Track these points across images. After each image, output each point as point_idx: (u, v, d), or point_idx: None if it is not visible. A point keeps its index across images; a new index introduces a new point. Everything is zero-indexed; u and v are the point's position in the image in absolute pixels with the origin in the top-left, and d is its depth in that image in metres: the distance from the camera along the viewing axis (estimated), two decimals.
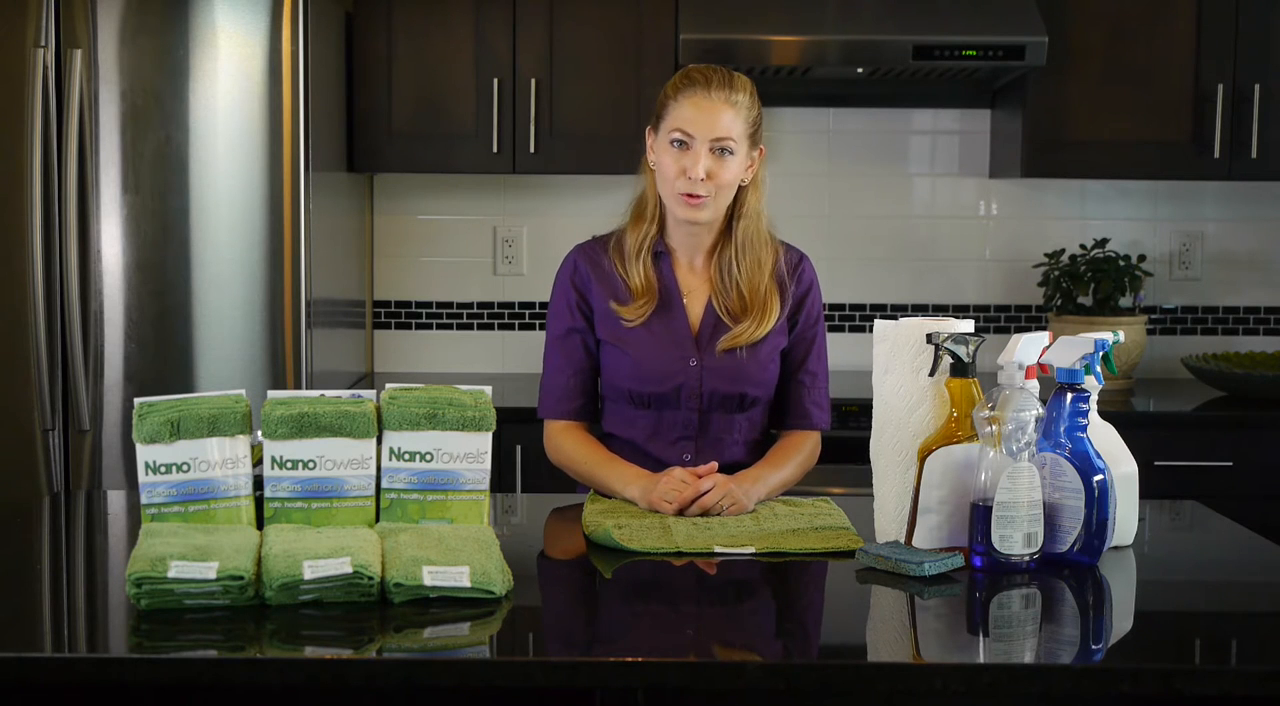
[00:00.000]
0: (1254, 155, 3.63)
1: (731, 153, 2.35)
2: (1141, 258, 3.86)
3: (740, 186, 2.40)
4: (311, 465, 1.93)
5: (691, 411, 2.43)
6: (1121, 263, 3.79)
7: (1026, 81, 3.64)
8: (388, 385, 2.03)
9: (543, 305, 3.99)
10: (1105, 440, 2.01)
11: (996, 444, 1.87)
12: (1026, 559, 1.89)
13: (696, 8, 3.54)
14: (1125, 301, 3.83)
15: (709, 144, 2.33)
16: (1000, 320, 4.03)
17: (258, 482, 1.96)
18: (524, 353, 4.01)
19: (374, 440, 1.96)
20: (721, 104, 2.34)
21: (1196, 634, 1.77)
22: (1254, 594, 1.96)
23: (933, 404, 1.98)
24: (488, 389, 2.03)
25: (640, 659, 1.59)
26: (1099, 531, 1.91)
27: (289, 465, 1.93)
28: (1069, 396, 1.93)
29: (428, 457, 1.96)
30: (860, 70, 3.64)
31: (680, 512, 2.22)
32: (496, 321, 4.03)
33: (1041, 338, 2.03)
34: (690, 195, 2.35)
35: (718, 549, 2.03)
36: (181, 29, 3.16)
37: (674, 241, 2.46)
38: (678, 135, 2.35)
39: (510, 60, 3.64)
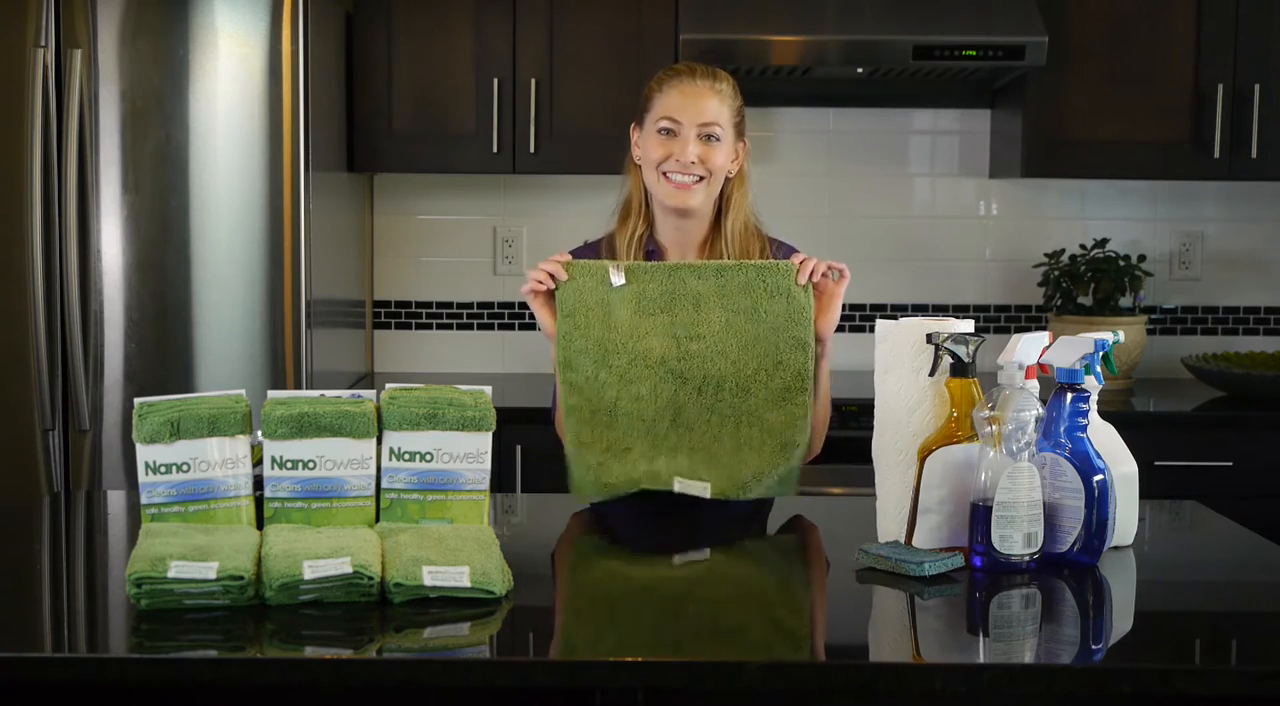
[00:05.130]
0: (1254, 155, 3.63)
1: (718, 139, 2.39)
2: (1141, 258, 3.86)
3: (726, 180, 2.42)
4: (311, 465, 1.93)
5: None
6: (1121, 263, 3.79)
7: (1026, 81, 3.64)
8: (388, 385, 2.03)
9: None
10: (1105, 440, 2.01)
11: (996, 444, 1.87)
12: (1026, 559, 1.89)
13: (696, 8, 3.54)
14: (1125, 301, 3.83)
15: (697, 129, 2.37)
16: (1000, 320, 4.03)
17: (258, 482, 1.96)
18: (524, 353, 4.01)
19: (374, 440, 1.96)
20: (707, 91, 2.39)
21: (1196, 634, 1.77)
22: (1254, 594, 1.96)
23: (933, 404, 1.98)
24: (488, 389, 2.03)
25: (640, 659, 1.59)
26: (1099, 531, 1.91)
27: (289, 465, 1.93)
28: (1069, 396, 1.93)
29: (428, 457, 1.96)
30: (860, 70, 3.64)
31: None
32: (496, 321, 4.03)
33: (1041, 337, 2.03)
34: (680, 183, 2.36)
35: (676, 481, 2.18)
36: (181, 29, 3.16)
37: (664, 238, 2.47)
38: (665, 123, 2.38)
39: (510, 60, 3.64)
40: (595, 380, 2.23)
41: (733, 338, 2.23)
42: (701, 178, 2.38)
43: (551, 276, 2.25)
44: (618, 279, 2.22)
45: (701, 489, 2.22)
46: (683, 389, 2.23)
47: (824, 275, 2.26)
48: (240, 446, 1.94)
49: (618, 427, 2.24)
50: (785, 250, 2.50)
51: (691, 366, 2.23)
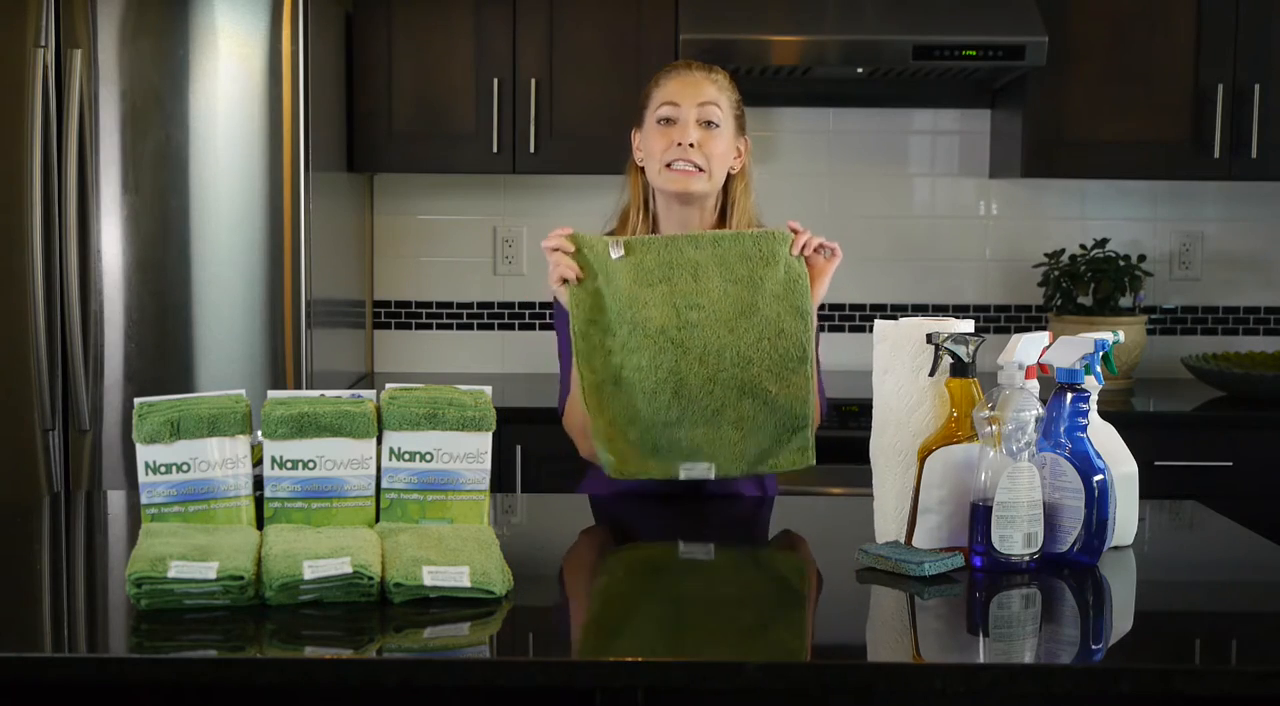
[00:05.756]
0: (1254, 155, 3.63)
1: (718, 126, 2.39)
2: (1141, 258, 3.86)
3: (730, 177, 2.42)
4: (311, 465, 1.93)
5: None
6: (1121, 263, 3.79)
7: (1026, 81, 3.64)
8: (388, 385, 2.03)
9: (543, 305, 3.99)
10: (1105, 440, 2.01)
11: (996, 444, 1.87)
12: (1026, 559, 1.89)
13: (696, 8, 3.54)
14: (1125, 301, 3.83)
15: (696, 112, 2.38)
16: (1000, 320, 4.03)
17: (258, 482, 1.96)
18: (524, 353, 4.01)
19: (374, 440, 1.96)
20: (703, 79, 2.42)
21: (1196, 634, 1.77)
22: (1254, 594, 1.96)
23: (933, 404, 1.98)
24: (488, 389, 2.03)
25: (640, 659, 1.59)
26: (1099, 531, 1.91)
27: (289, 465, 1.93)
28: (1069, 396, 1.93)
29: (428, 457, 1.96)
30: (860, 70, 3.64)
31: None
32: (496, 321, 4.03)
33: (1041, 337, 2.03)
34: (682, 170, 2.36)
35: (681, 468, 2.22)
36: (181, 29, 3.16)
37: (667, 233, 2.46)
38: (664, 110, 2.40)
39: (510, 60, 3.64)
40: (603, 348, 2.24)
41: (731, 306, 2.23)
42: (701, 168, 2.38)
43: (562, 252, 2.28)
44: (616, 252, 2.24)
45: (706, 469, 2.22)
46: (683, 359, 2.22)
47: (816, 250, 2.28)
48: (240, 446, 1.94)
49: (622, 397, 2.25)
50: None
51: (691, 336, 2.23)
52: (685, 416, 2.23)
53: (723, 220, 2.45)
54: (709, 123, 2.38)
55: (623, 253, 2.24)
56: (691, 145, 2.36)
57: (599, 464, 2.27)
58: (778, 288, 2.24)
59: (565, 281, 2.26)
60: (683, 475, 2.24)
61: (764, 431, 2.25)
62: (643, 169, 2.45)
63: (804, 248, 2.27)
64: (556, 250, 2.27)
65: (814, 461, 2.28)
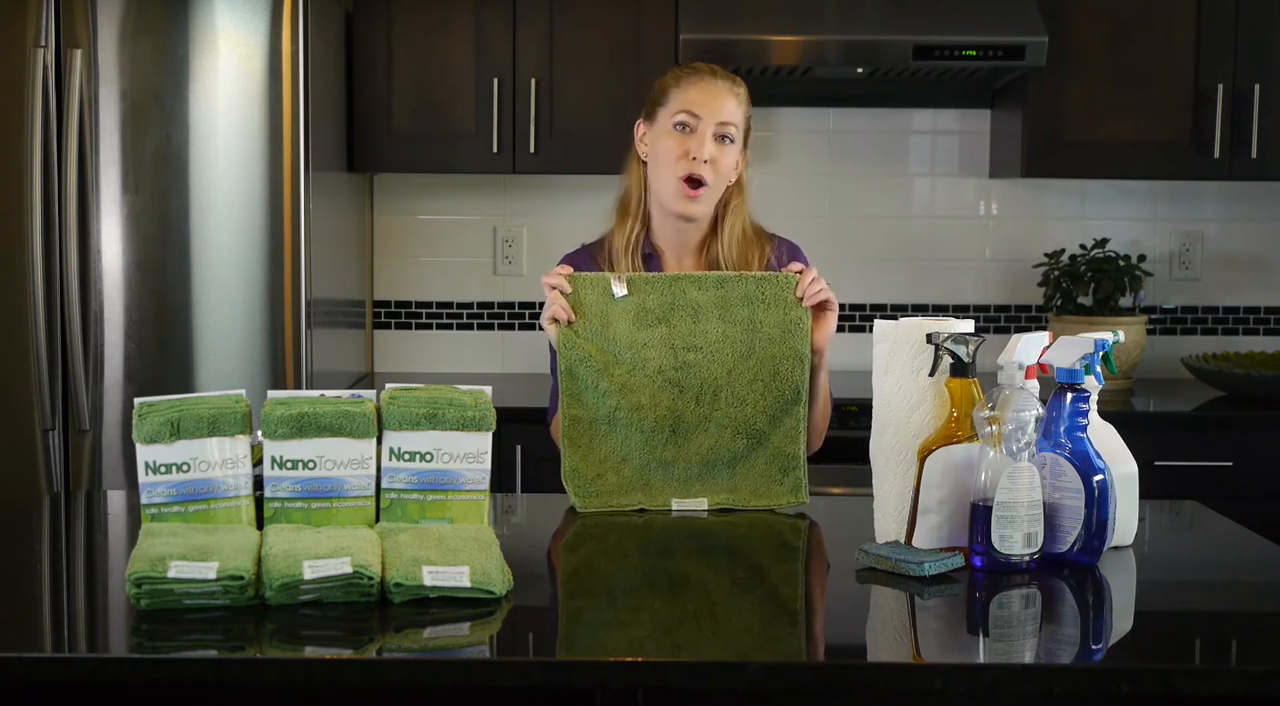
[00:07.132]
0: (1254, 155, 3.63)
1: (732, 141, 2.37)
2: (1141, 258, 3.86)
3: (728, 186, 2.42)
4: (311, 465, 1.93)
5: None
6: (1121, 263, 3.79)
7: (1026, 81, 3.64)
8: (388, 385, 2.03)
9: (542, 305, 3.98)
10: (1105, 440, 2.01)
11: (996, 444, 1.87)
12: (1026, 559, 1.89)
13: (696, 8, 3.54)
14: (1125, 301, 3.83)
15: (714, 128, 2.35)
16: (1000, 320, 4.03)
17: (258, 482, 1.96)
18: (524, 353, 4.01)
19: (374, 440, 1.96)
20: (726, 92, 2.38)
21: (1196, 634, 1.77)
22: (1254, 594, 1.96)
23: (933, 404, 1.98)
24: (488, 389, 2.03)
25: (640, 659, 1.59)
26: (1099, 531, 1.91)
27: (289, 465, 1.93)
28: (1069, 396, 1.93)
29: (428, 457, 1.96)
30: (860, 70, 3.64)
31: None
32: (496, 321, 4.03)
33: (1041, 337, 2.03)
34: (691, 181, 2.34)
35: (674, 503, 2.22)
36: (181, 29, 3.17)
37: (661, 241, 2.46)
38: (683, 117, 2.36)
39: (510, 60, 3.64)
40: (596, 389, 2.23)
41: (729, 348, 2.25)
42: (707, 184, 2.36)
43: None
44: (619, 290, 2.23)
45: (698, 503, 2.24)
46: (680, 398, 2.24)
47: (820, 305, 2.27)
48: (240, 446, 1.94)
49: (616, 437, 2.25)
50: (789, 248, 2.50)
51: (689, 376, 2.24)
52: (680, 455, 2.25)
53: (715, 229, 2.44)
54: (724, 137, 2.37)
55: (625, 291, 2.24)
56: (706, 161, 2.34)
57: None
58: (776, 331, 2.25)
59: (556, 321, 2.26)
60: (675, 509, 2.25)
61: (756, 471, 2.27)
62: (645, 162, 2.44)
63: (808, 296, 2.25)
64: (554, 288, 2.26)
65: (807, 500, 2.29)
